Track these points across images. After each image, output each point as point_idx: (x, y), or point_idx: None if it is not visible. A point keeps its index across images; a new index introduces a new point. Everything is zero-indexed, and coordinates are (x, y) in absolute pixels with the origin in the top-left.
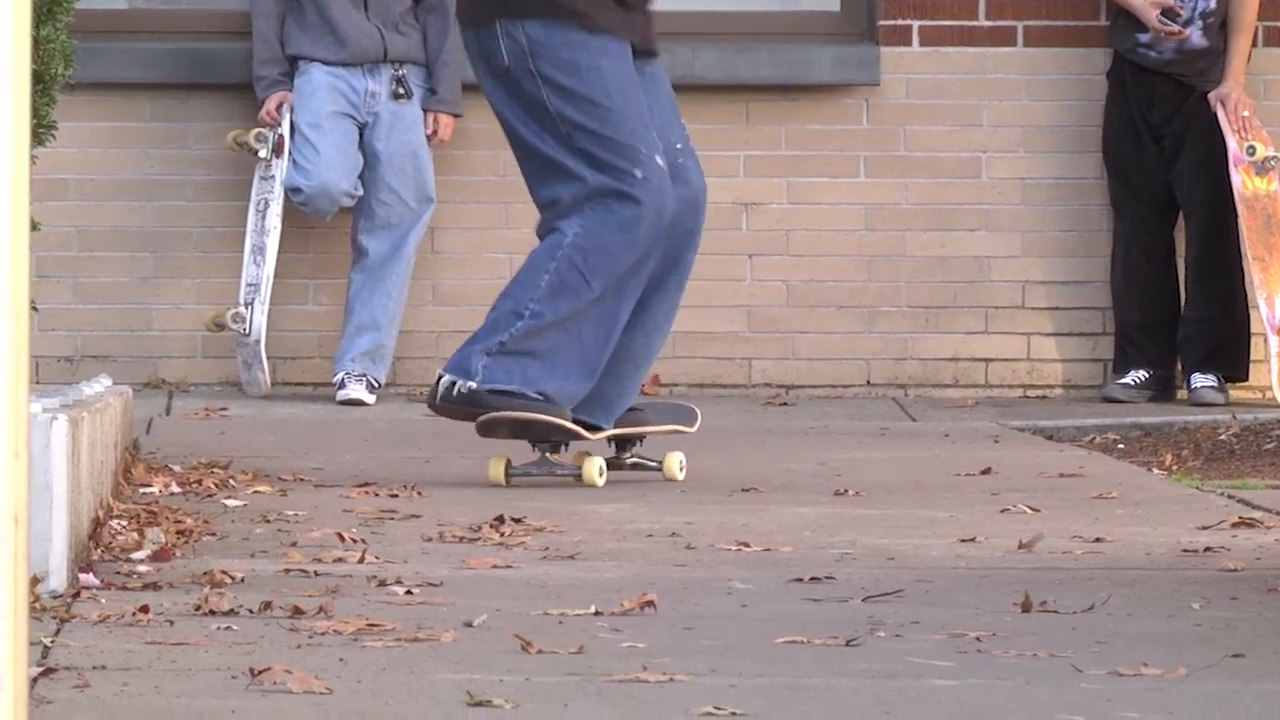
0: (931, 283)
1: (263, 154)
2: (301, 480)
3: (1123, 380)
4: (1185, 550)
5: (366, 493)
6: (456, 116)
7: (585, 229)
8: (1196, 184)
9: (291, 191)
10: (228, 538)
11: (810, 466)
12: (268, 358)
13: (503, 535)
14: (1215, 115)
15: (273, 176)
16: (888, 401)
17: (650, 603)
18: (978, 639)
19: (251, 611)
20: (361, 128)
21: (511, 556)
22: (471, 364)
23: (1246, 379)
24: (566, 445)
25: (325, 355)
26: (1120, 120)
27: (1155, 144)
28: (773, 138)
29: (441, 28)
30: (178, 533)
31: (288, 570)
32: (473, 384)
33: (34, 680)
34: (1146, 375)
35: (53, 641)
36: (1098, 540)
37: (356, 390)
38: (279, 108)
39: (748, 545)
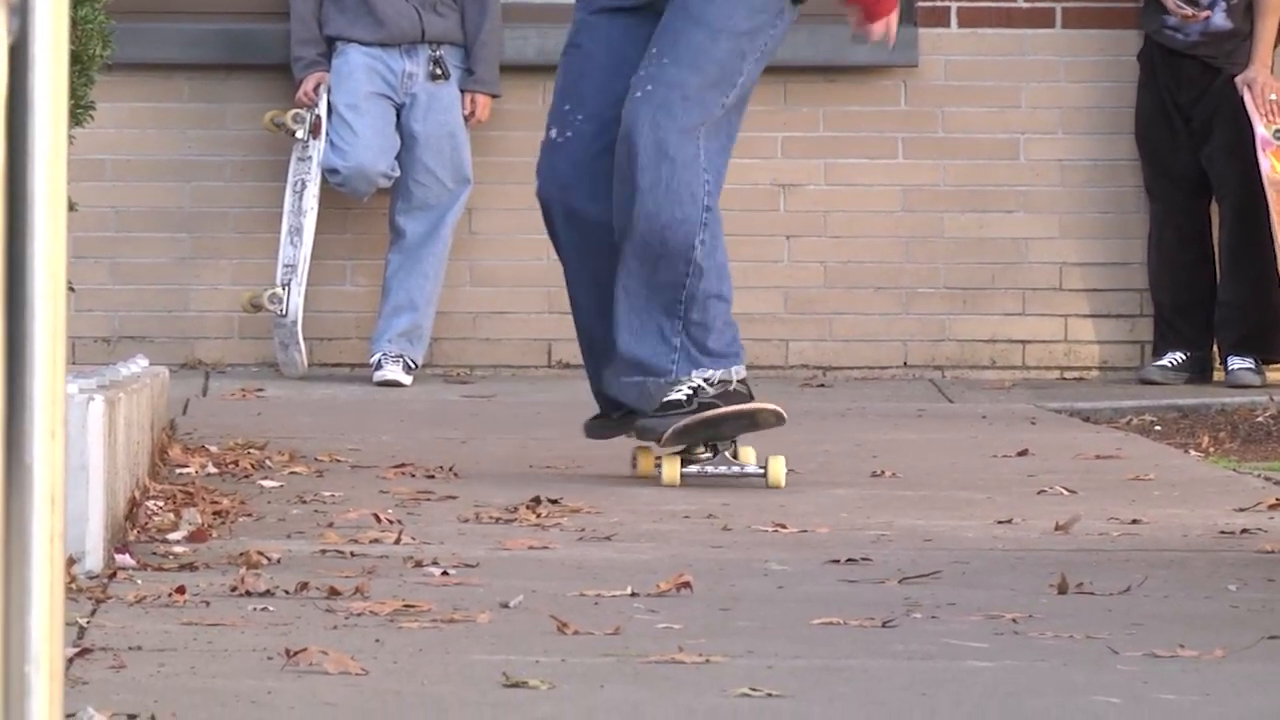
0: (969, 264)
1: (300, 135)
2: (338, 461)
3: (1159, 362)
4: (1222, 532)
5: (403, 473)
6: (494, 97)
7: None
8: (1227, 166)
9: (329, 172)
10: (264, 518)
11: (847, 448)
12: (304, 339)
13: (539, 516)
14: (1242, 99)
15: (310, 157)
16: (925, 383)
17: (687, 584)
18: (1014, 620)
19: (287, 592)
20: (399, 108)
21: (548, 538)
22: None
23: None
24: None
25: (362, 336)
26: (1151, 102)
27: (1185, 126)
28: (811, 119)
29: (480, 8)
30: (214, 513)
31: (324, 551)
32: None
33: (70, 661)
34: (1183, 357)
35: (88, 622)
36: (1134, 522)
37: (393, 371)
38: (316, 88)
39: (784, 527)
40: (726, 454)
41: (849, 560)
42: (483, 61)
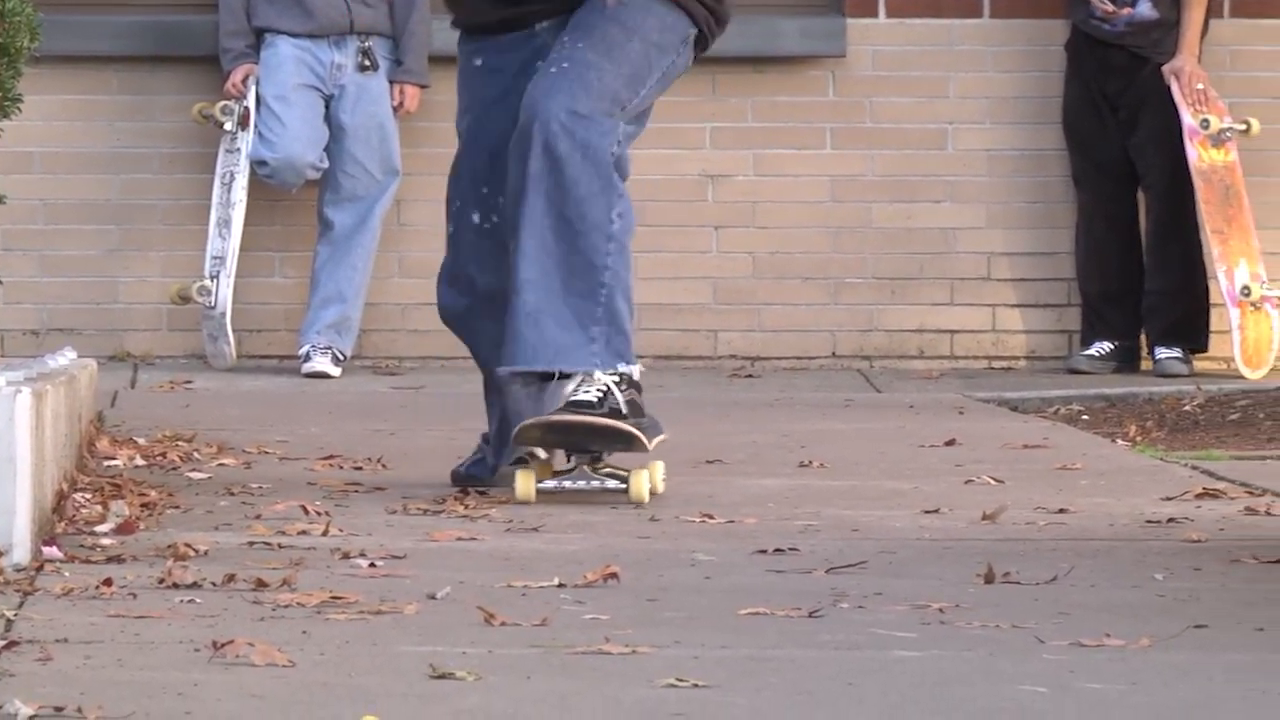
0: (897, 254)
1: (228, 127)
2: (266, 453)
3: (1087, 352)
4: (1149, 521)
5: (331, 465)
6: (423, 88)
7: None
8: (1155, 156)
9: (257, 164)
10: (192, 510)
11: (775, 438)
12: (233, 330)
13: (467, 508)
14: (1169, 88)
15: (238, 149)
16: (853, 373)
17: (614, 575)
18: (941, 610)
19: (215, 584)
20: (327, 100)
21: (475, 529)
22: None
23: (1208, 350)
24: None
25: (291, 328)
26: (1078, 92)
27: (1113, 115)
28: (739, 110)
29: None
30: (142, 506)
31: (251, 543)
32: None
33: None
34: (1111, 347)
35: (16, 615)
36: (1061, 511)
37: (322, 363)
38: (245, 80)
39: (712, 517)
40: (584, 467)
41: (776, 550)
42: (411, 52)
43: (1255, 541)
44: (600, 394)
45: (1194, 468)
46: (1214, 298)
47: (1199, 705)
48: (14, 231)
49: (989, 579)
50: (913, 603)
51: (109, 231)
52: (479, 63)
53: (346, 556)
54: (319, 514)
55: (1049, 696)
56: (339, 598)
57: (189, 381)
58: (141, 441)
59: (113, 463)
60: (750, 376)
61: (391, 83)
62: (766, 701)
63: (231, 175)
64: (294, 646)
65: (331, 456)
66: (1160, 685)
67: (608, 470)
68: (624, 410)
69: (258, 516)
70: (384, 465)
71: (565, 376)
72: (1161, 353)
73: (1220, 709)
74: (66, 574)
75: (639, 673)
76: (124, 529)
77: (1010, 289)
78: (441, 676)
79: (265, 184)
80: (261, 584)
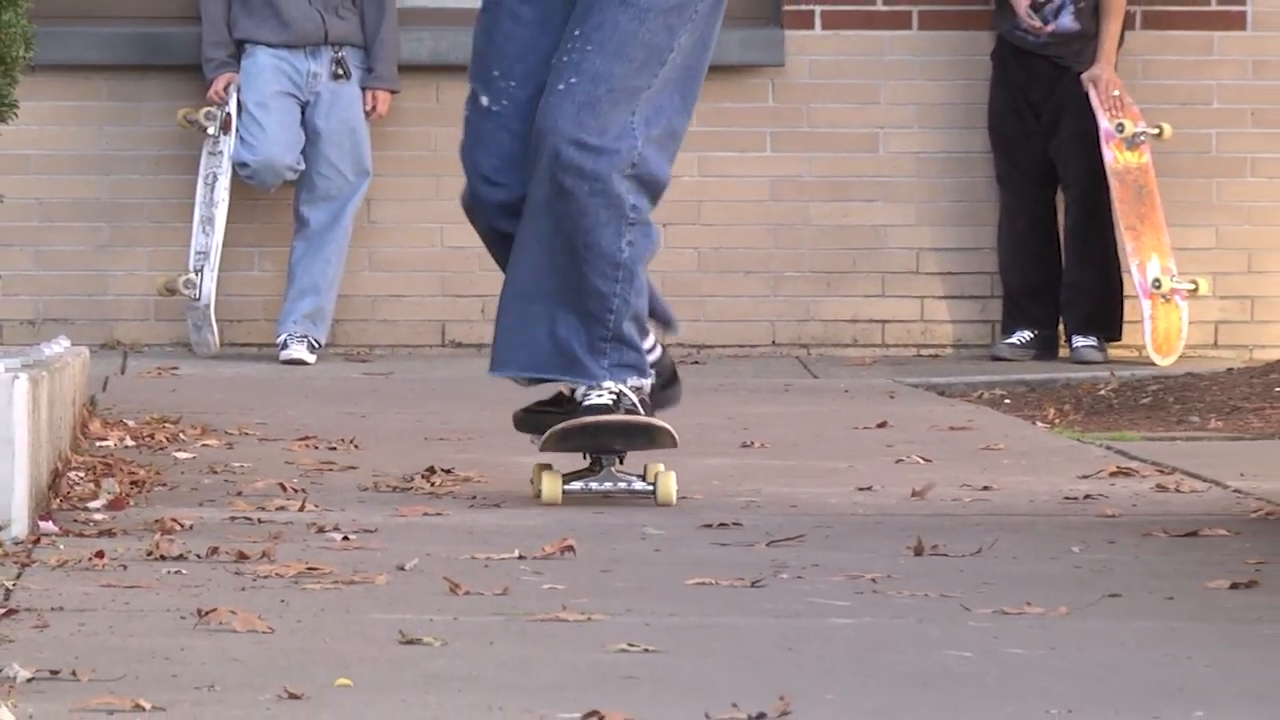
0: (832, 250)
1: (211, 131)
2: (246, 434)
3: (1009, 340)
4: (1066, 498)
5: (307, 445)
6: (393, 93)
7: None
8: (1073, 158)
9: (239, 166)
10: (178, 488)
11: (719, 420)
12: (216, 320)
13: (433, 485)
14: (1088, 95)
15: (221, 152)
16: (791, 360)
17: (570, 547)
18: (873, 580)
19: (199, 556)
20: (303, 106)
21: (441, 505)
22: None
23: (1121, 339)
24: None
25: (269, 318)
26: (1003, 99)
27: (1035, 120)
28: None
29: (378, 10)
30: (131, 483)
31: (233, 518)
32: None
33: None
34: (1031, 335)
35: (14, 585)
36: (985, 489)
37: (298, 350)
38: (226, 88)
39: None
40: (612, 469)
41: (721, 525)
42: (382, 60)
43: (1165, 516)
44: (613, 397)
45: (1108, 448)
46: (1127, 290)
47: (1112, 668)
48: (11, 229)
49: (918, 551)
50: (847, 573)
51: (100, 228)
52: None
53: (321, 530)
54: (296, 491)
55: (974, 661)
56: (314, 569)
57: (175, 368)
58: (131, 424)
59: (104, 443)
60: (696, 363)
61: (363, 89)
62: (711, 665)
63: (214, 176)
64: (273, 614)
65: (307, 438)
66: (1076, 650)
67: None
68: (639, 409)
69: (239, 493)
70: (356, 446)
71: (570, 397)
72: (1078, 341)
73: (1132, 672)
74: (61, 547)
75: (593, 638)
76: (115, 505)
77: (938, 282)
78: (410, 642)
79: (246, 184)
80: (243, 556)
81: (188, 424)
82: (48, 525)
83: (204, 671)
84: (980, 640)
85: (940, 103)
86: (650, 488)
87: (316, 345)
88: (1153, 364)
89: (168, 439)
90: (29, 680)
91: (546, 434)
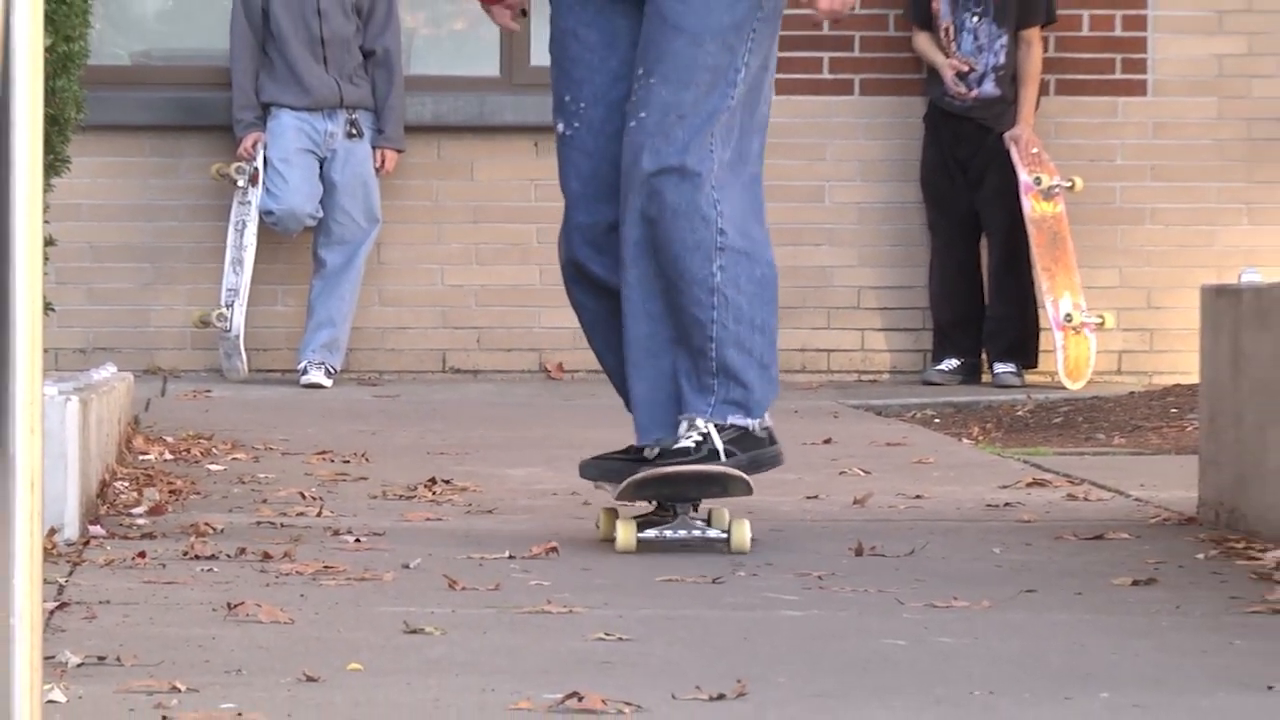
0: (784, 288)
1: (241, 183)
2: (271, 449)
3: (939, 367)
4: (989, 505)
5: (324, 459)
6: (400, 152)
7: None
8: (996, 208)
9: (265, 214)
10: (210, 496)
11: None
12: (245, 349)
13: (434, 494)
14: (1009, 152)
15: (249, 202)
16: None
17: (555, 549)
18: (819, 578)
19: (229, 556)
20: (322, 161)
21: (441, 511)
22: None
23: (1037, 366)
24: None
25: (291, 347)
26: (934, 156)
27: (962, 175)
28: None
29: (387, 78)
30: (170, 492)
31: (259, 523)
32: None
33: (51, 613)
34: (957, 363)
35: (66, 581)
36: (918, 497)
37: (317, 376)
38: (254, 145)
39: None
40: (686, 516)
41: None
42: (390, 122)
43: (1075, 522)
44: (699, 438)
45: (1025, 462)
46: (1043, 323)
47: (1029, 655)
48: (66, 269)
49: (859, 552)
50: (797, 571)
51: (144, 269)
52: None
53: (336, 534)
54: (314, 499)
55: (908, 648)
56: (330, 567)
57: (209, 391)
58: (170, 440)
59: (146, 457)
60: None
61: (374, 147)
62: (678, 652)
63: (244, 223)
64: (293, 607)
65: (324, 452)
66: (998, 640)
67: (705, 520)
68: (721, 453)
69: (264, 501)
70: (367, 459)
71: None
72: (999, 368)
73: (1046, 659)
74: (108, 548)
75: (575, 628)
76: (155, 511)
77: (877, 316)
78: (414, 632)
79: (271, 230)
80: (267, 556)
81: (219, 440)
82: (96, 529)
83: (232, 657)
84: (913, 630)
85: (879, 159)
86: (724, 535)
87: (333, 371)
88: (1064, 388)
89: (202, 453)
90: (79, 665)
91: (623, 484)
